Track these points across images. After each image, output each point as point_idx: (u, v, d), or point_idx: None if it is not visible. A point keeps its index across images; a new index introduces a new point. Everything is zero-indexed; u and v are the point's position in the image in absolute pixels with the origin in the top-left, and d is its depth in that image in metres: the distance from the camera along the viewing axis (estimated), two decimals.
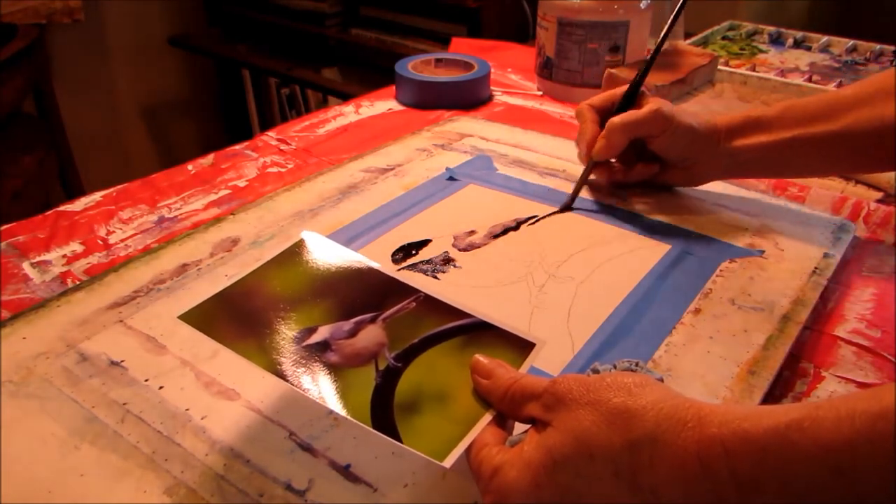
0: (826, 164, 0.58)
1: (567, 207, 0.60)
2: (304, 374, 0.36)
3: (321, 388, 0.35)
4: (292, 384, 0.35)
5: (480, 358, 0.36)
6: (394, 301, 0.40)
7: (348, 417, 0.34)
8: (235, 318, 0.38)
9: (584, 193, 0.63)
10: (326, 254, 0.44)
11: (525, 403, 0.33)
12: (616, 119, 0.58)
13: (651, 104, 0.58)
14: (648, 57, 0.61)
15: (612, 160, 0.63)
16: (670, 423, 0.28)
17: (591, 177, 0.63)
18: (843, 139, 0.54)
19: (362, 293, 0.41)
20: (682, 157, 0.59)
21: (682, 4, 0.61)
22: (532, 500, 0.30)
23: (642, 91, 0.61)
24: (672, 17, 0.61)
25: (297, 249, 0.43)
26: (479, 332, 0.38)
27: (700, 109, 0.81)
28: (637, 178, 0.63)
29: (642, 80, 0.60)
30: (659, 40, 0.61)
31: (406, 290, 0.41)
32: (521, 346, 0.37)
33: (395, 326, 0.39)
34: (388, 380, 0.36)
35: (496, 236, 0.57)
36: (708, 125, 0.58)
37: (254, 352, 0.36)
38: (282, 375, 0.35)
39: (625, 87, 0.61)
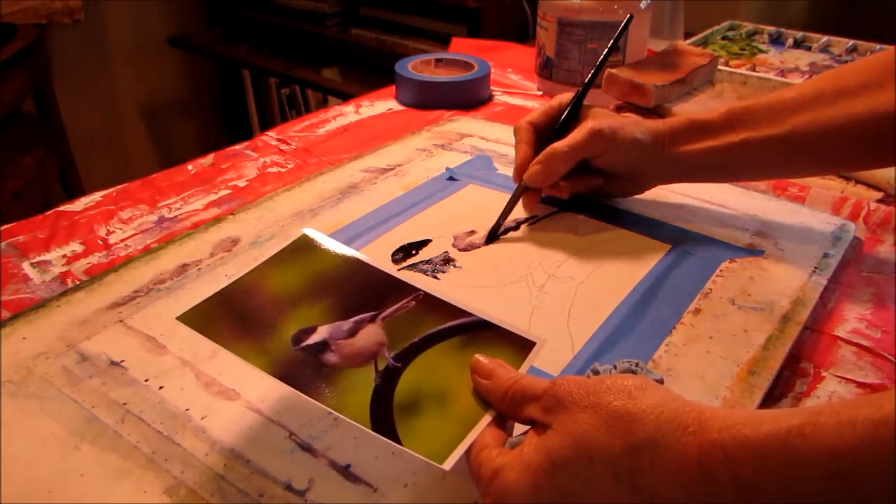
0: (770, 166, 0.56)
1: (493, 237, 0.56)
2: (303, 375, 0.36)
3: (320, 388, 0.35)
4: (291, 385, 0.35)
5: (481, 358, 0.36)
6: (393, 300, 0.40)
7: (347, 419, 0.34)
8: (234, 318, 0.38)
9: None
10: (325, 252, 0.43)
11: (525, 405, 0.33)
12: (556, 146, 0.54)
13: (590, 122, 0.54)
14: (587, 79, 0.59)
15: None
16: (671, 427, 0.28)
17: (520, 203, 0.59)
18: (786, 143, 0.52)
19: (361, 292, 0.41)
20: (627, 169, 0.57)
21: (626, 23, 0.61)
22: (531, 501, 0.30)
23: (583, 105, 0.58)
24: (616, 35, 0.60)
25: (295, 247, 0.43)
26: (479, 332, 0.38)
27: (700, 109, 0.81)
28: (579, 191, 0.60)
29: (581, 99, 0.58)
30: (601, 57, 0.60)
31: (406, 289, 0.41)
32: (522, 346, 0.37)
33: (394, 326, 0.39)
34: (387, 380, 0.36)
35: (496, 236, 0.57)
36: (651, 133, 0.55)
37: (252, 352, 0.36)
38: (280, 376, 0.35)
39: (563, 98, 0.58)
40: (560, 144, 0.55)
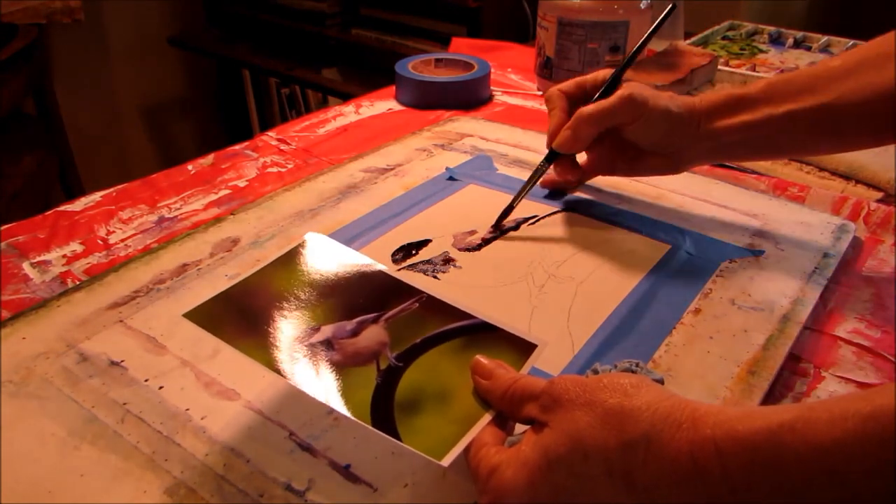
0: (815, 139, 0.53)
1: (505, 214, 0.57)
2: (306, 372, 0.36)
3: (323, 386, 0.35)
4: (294, 382, 0.35)
5: (481, 359, 0.36)
6: (396, 302, 0.40)
7: (348, 415, 0.34)
8: (239, 316, 0.39)
9: (584, 193, 0.63)
10: (330, 254, 0.44)
11: (524, 404, 0.33)
12: (585, 109, 0.53)
13: (623, 89, 0.53)
14: (630, 54, 0.58)
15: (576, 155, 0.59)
16: (665, 424, 0.28)
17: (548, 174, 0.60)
18: (832, 111, 0.49)
19: (365, 293, 0.41)
20: (661, 143, 0.55)
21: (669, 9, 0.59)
22: (527, 499, 0.30)
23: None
24: (660, 18, 0.58)
25: (300, 250, 0.44)
26: (481, 334, 0.38)
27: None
28: (599, 172, 0.60)
29: (623, 71, 0.57)
30: (648, 33, 0.59)
31: (409, 291, 0.41)
32: (523, 348, 0.37)
33: (397, 327, 0.39)
34: (388, 379, 0.36)
35: (496, 236, 0.57)
36: (686, 107, 0.53)
37: (256, 350, 0.36)
38: (284, 373, 0.35)
39: (598, 74, 0.57)
40: (588, 107, 0.54)
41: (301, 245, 0.44)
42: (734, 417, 0.27)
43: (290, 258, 0.43)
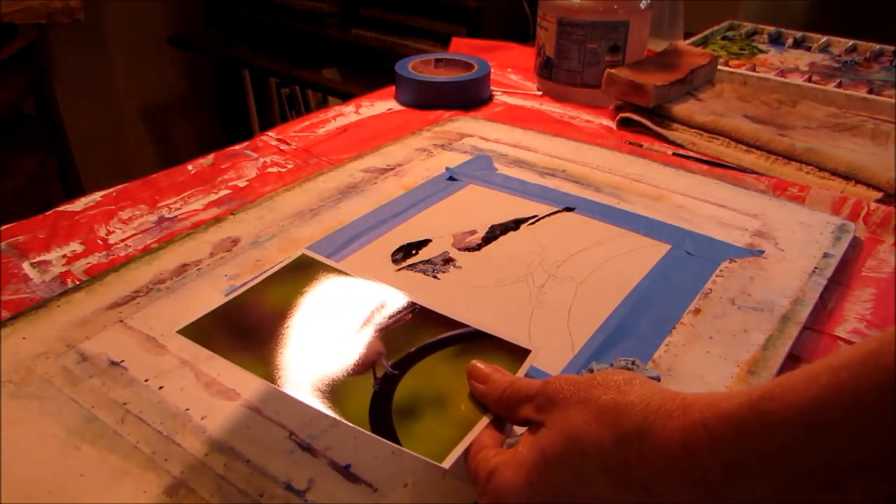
0: None
1: None
2: (302, 383, 0.36)
3: (320, 395, 0.35)
4: (291, 392, 0.35)
5: (477, 363, 0.36)
6: (389, 313, 0.40)
7: (348, 423, 0.34)
8: (233, 331, 0.39)
9: (584, 193, 0.63)
10: (322, 269, 0.44)
11: (520, 406, 0.33)
12: None
13: None
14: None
15: None
16: (657, 416, 0.28)
17: None
18: None
19: (357, 306, 0.41)
20: None
21: None
22: (527, 500, 0.30)
23: None
24: None
25: (294, 266, 0.44)
26: (475, 341, 0.39)
27: (700, 109, 0.81)
28: None
29: None
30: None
31: (401, 303, 0.41)
32: (517, 353, 0.38)
33: (391, 337, 0.39)
34: (386, 386, 0.36)
35: (496, 236, 0.57)
36: None
37: (252, 362, 0.37)
38: (280, 385, 0.36)
39: None
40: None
41: (295, 261, 0.44)
42: (721, 398, 0.28)
43: (284, 275, 0.43)
